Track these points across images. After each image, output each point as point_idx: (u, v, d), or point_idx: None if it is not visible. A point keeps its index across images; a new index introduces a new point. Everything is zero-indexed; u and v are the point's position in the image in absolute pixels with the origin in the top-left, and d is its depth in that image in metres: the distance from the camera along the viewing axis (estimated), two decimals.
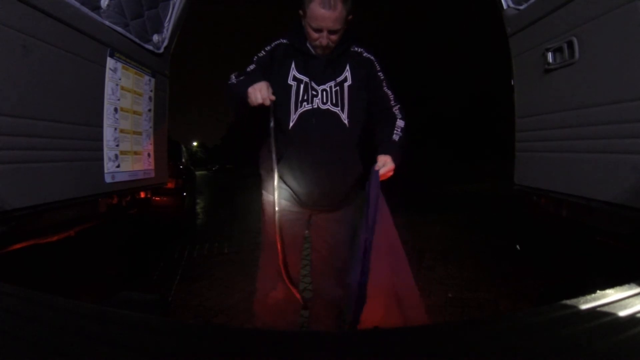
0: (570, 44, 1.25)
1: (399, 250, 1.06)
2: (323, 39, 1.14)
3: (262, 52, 1.23)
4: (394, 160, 1.15)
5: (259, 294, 1.31)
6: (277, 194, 1.17)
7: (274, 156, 1.15)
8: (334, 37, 1.15)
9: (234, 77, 1.20)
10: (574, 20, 1.23)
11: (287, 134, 1.19)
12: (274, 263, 1.27)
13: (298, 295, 1.23)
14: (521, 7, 1.51)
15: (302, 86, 1.18)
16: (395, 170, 1.16)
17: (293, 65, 1.19)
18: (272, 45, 1.23)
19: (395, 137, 1.20)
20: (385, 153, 1.16)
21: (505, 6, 1.59)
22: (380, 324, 0.94)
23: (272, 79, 1.15)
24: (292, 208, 1.26)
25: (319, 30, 1.12)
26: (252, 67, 1.21)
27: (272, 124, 1.16)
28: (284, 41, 1.23)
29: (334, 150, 1.17)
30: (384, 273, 1.01)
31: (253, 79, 1.12)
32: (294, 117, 1.18)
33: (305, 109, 1.18)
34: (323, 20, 1.10)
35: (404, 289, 1.02)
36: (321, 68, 1.19)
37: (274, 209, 1.27)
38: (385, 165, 1.13)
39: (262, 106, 1.09)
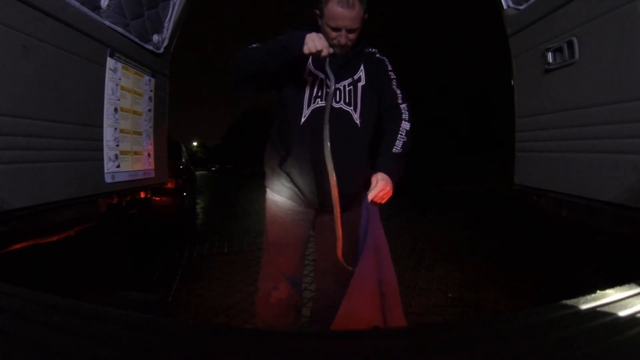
0: (570, 44, 1.25)
1: (384, 249, 1.08)
2: (342, 38, 1.12)
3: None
4: (392, 175, 1.13)
5: (261, 294, 1.30)
6: (283, 192, 1.16)
7: (327, 147, 1.04)
8: (352, 36, 1.13)
9: (255, 45, 1.13)
10: (574, 20, 1.23)
11: (298, 129, 1.17)
12: (277, 263, 1.26)
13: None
14: (521, 7, 1.51)
15: (317, 82, 1.16)
16: (395, 182, 1.14)
17: (310, 59, 1.17)
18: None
19: (398, 146, 1.17)
20: (380, 170, 1.13)
21: (505, 6, 1.59)
22: (360, 323, 0.96)
23: (288, 70, 1.12)
24: (297, 208, 1.25)
25: (337, 30, 1.11)
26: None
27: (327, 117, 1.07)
28: (306, 31, 1.22)
29: (344, 149, 1.15)
30: (370, 272, 1.02)
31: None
32: (306, 113, 1.16)
33: (318, 105, 1.16)
34: (342, 19, 1.08)
35: (386, 287, 1.03)
36: (337, 66, 1.17)
37: (280, 208, 1.25)
38: (376, 186, 1.10)
39: (317, 55, 1.02)
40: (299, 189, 1.21)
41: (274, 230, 1.28)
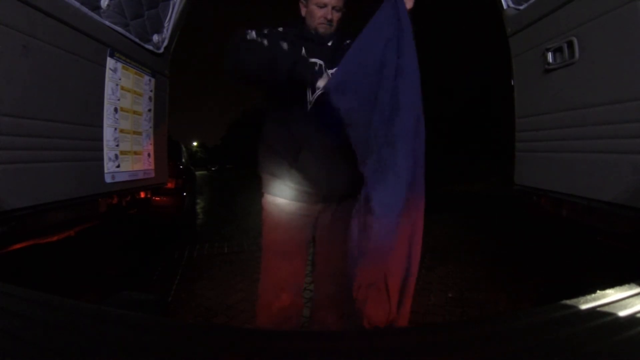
0: (570, 44, 1.25)
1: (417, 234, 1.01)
2: (328, 14, 1.17)
3: (273, 30, 1.19)
4: None
5: (262, 302, 1.28)
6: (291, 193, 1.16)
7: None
8: (337, 15, 1.18)
9: (254, 33, 1.11)
10: (574, 20, 1.23)
11: (304, 116, 1.17)
12: (279, 270, 1.25)
13: None
14: (521, 7, 1.51)
15: (316, 69, 1.18)
16: None
17: (304, 50, 1.19)
18: (281, 30, 1.21)
19: None
20: None
21: (505, 6, 1.59)
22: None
23: (286, 62, 1.12)
24: (301, 210, 1.23)
25: (323, 6, 1.16)
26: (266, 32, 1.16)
27: None
28: (290, 29, 1.23)
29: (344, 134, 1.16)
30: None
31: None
32: (311, 100, 1.18)
33: (322, 91, 1.17)
34: None
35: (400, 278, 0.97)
36: (330, 53, 1.20)
37: (282, 211, 1.23)
38: None
39: None
40: (307, 181, 1.19)
41: (277, 236, 1.26)
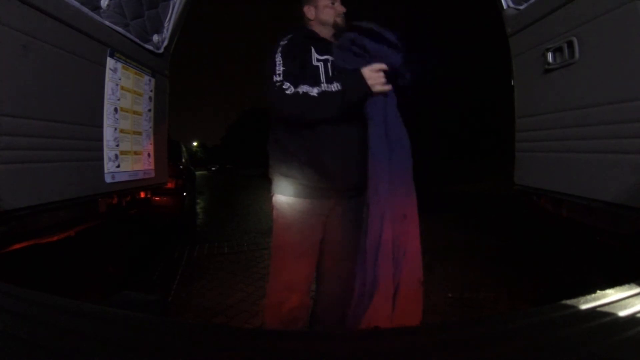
0: (570, 44, 1.25)
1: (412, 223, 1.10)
2: (339, 7, 1.28)
3: (284, 40, 1.20)
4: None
5: (271, 302, 1.27)
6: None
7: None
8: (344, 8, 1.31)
9: (290, 86, 1.11)
10: (574, 20, 1.23)
11: None
12: (291, 270, 1.25)
13: None
14: (521, 7, 1.51)
15: (328, 64, 1.22)
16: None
17: (313, 49, 1.22)
18: (290, 35, 1.23)
19: None
20: None
21: (505, 6, 1.59)
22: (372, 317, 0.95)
23: (297, 62, 1.17)
24: (314, 210, 1.23)
25: (333, 2, 1.28)
26: (281, 61, 1.17)
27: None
28: (298, 32, 1.26)
29: (359, 127, 1.19)
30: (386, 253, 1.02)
31: (331, 73, 1.19)
32: None
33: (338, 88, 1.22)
34: None
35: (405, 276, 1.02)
36: (337, 49, 1.24)
37: (295, 211, 1.24)
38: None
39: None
40: (321, 176, 1.20)
41: (290, 237, 1.25)
